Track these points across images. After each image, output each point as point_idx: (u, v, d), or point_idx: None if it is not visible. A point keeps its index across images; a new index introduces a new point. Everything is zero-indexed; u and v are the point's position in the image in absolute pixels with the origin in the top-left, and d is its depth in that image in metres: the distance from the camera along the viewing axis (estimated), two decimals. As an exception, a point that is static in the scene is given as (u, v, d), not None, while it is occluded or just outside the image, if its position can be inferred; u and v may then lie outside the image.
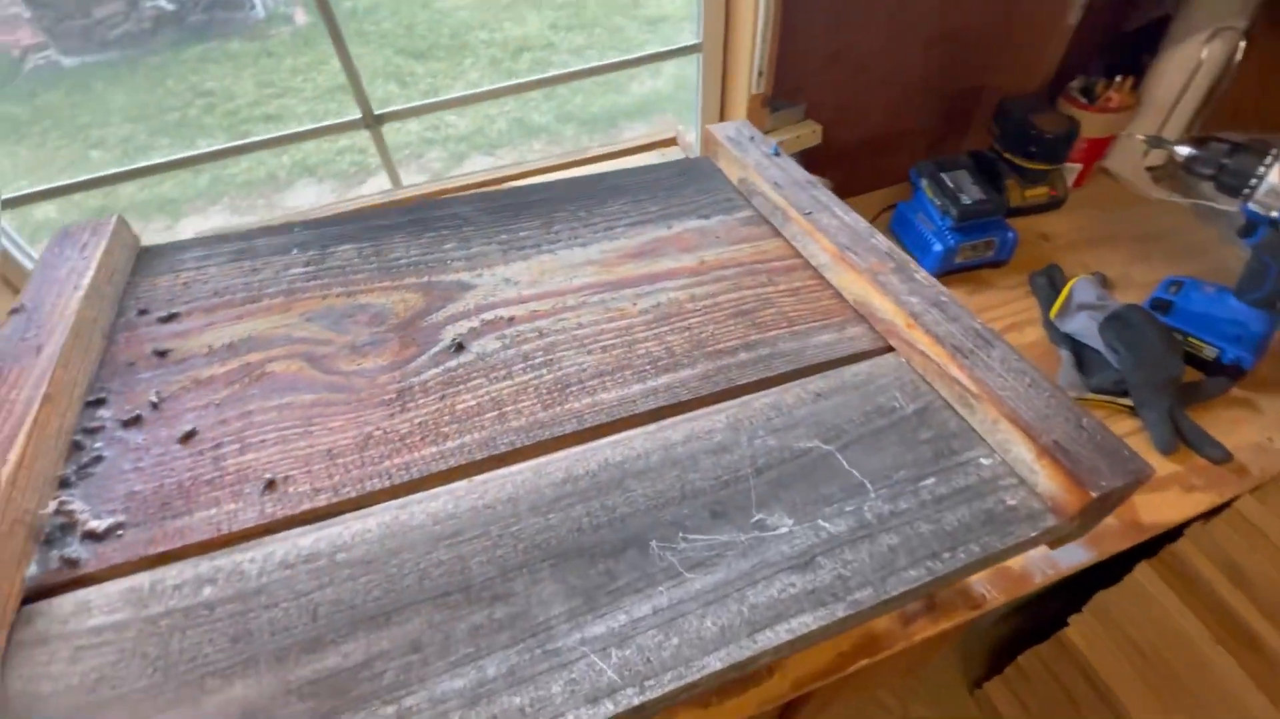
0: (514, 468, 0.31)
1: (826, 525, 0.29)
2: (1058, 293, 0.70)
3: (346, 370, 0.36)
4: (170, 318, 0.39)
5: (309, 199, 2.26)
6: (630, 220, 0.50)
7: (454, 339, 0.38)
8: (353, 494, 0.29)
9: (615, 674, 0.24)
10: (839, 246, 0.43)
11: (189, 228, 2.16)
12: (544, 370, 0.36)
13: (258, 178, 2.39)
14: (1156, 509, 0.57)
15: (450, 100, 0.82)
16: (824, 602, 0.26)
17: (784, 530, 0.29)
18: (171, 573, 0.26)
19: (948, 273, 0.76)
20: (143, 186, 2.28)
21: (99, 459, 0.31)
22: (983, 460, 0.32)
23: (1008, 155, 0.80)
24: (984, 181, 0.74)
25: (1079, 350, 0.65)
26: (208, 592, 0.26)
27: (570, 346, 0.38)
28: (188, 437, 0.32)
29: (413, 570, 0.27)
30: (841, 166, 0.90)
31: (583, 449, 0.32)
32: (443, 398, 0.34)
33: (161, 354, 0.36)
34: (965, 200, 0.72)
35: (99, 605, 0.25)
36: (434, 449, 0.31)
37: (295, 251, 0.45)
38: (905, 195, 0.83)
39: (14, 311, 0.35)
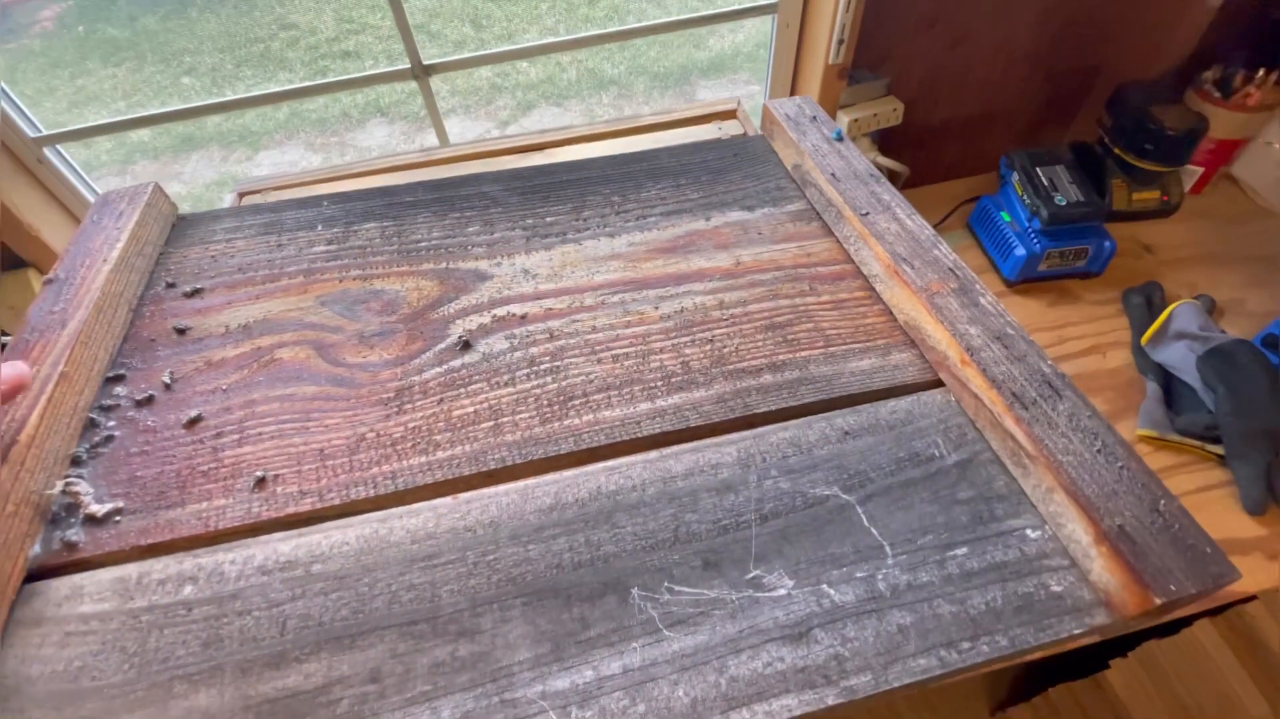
0: (501, 488, 0.29)
1: (831, 592, 0.26)
2: (1154, 316, 0.61)
3: (351, 363, 0.35)
4: (195, 293, 0.39)
5: (379, 139, 2.31)
6: (666, 209, 0.46)
7: (461, 336, 0.36)
8: (336, 501, 0.29)
9: (572, 738, 0.22)
10: (894, 257, 0.38)
11: (267, 160, 2.24)
12: (549, 379, 0.34)
13: (332, 115, 2.45)
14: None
15: (495, 55, 0.79)
16: (813, 683, 0.23)
17: (781, 593, 0.26)
18: (158, 566, 0.27)
19: (1029, 280, 0.67)
20: (227, 117, 2.39)
21: (110, 439, 0.31)
22: (1029, 533, 0.28)
23: (1118, 151, 0.69)
24: (1084, 179, 0.65)
25: (1169, 384, 0.57)
26: (188, 590, 0.26)
27: (580, 353, 0.35)
28: (193, 422, 0.32)
29: (384, 592, 0.26)
30: (922, 150, 0.81)
31: (575, 473, 0.30)
32: (440, 401, 0.33)
33: (181, 332, 0.37)
34: (1059, 201, 0.63)
35: (90, 592, 0.26)
36: (423, 459, 0.30)
37: (320, 228, 0.44)
38: (991, 188, 0.74)
39: (48, 282, 0.36)
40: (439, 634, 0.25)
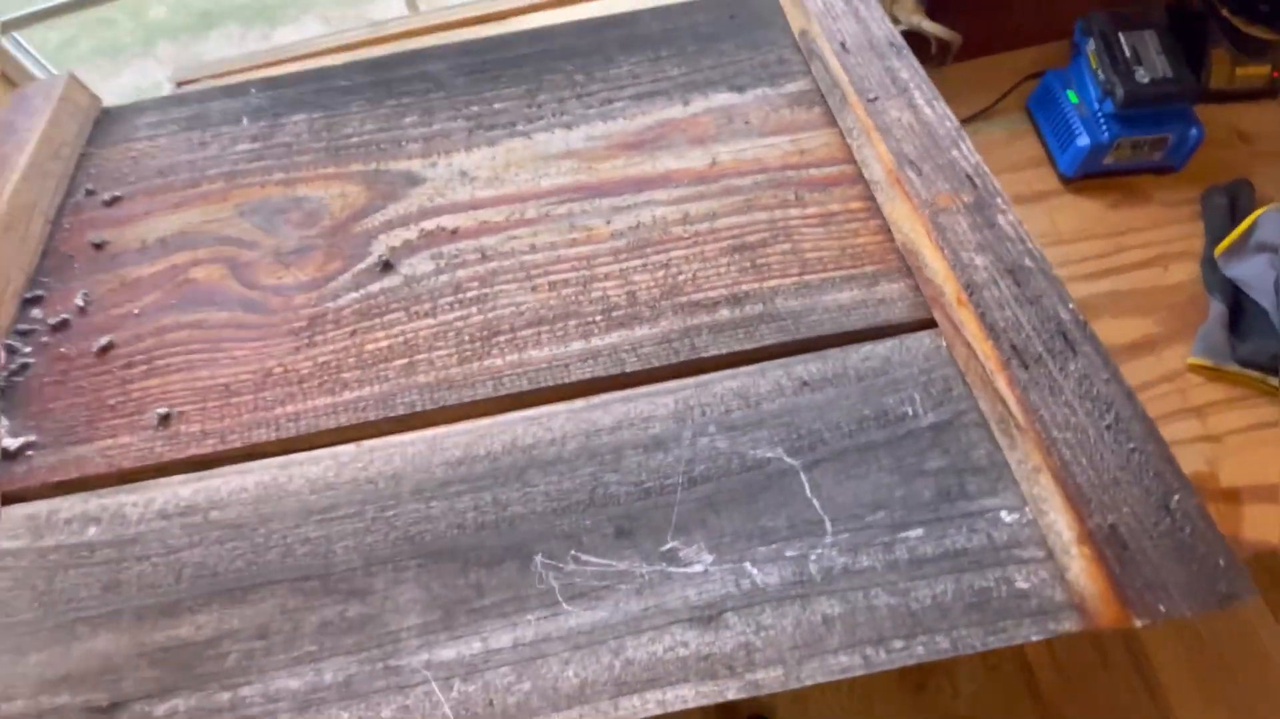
0: (408, 436, 0.26)
1: (753, 572, 0.22)
2: (1237, 221, 0.49)
3: (265, 284, 0.31)
4: (114, 201, 0.35)
5: (396, 9, 2.11)
6: (639, 89, 0.37)
7: (383, 255, 0.31)
8: (238, 444, 0.26)
9: (451, 711, 0.20)
10: (898, 159, 0.29)
11: (284, 37, 2.09)
12: (474, 309, 0.29)
13: (345, -12, 2.22)
14: (1273, 525, 0.44)
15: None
16: (715, 674, 0.20)
17: (697, 569, 0.22)
18: (65, 505, 0.25)
19: (1090, 176, 0.55)
20: (248, -11, 2.21)
21: (25, 368, 0.29)
22: (1003, 515, 0.23)
23: (1225, 12, 0.51)
24: (1177, 49, 0.49)
25: (1239, 304, 0.47)
26: (91, 532, 0.25)
27: (513, 278, 0.30)
28: (104, 350, 0.29)
29: (278, 544, 0.24)
30: (983, 11, 0.63)
31: (491, 423, 0.26)
32: (353, 333, 0.29)
33: (99, 246, 0.33)
34: (1141, 77, 0.48)
35: (5, 529, 0.25)
36: (328, 400, 0.27)
37: (245, 121, 0.38)
38: (1061, 60, 0.58)
39: (-51, 189, 0.33)
40: (330, 592, 0.23)
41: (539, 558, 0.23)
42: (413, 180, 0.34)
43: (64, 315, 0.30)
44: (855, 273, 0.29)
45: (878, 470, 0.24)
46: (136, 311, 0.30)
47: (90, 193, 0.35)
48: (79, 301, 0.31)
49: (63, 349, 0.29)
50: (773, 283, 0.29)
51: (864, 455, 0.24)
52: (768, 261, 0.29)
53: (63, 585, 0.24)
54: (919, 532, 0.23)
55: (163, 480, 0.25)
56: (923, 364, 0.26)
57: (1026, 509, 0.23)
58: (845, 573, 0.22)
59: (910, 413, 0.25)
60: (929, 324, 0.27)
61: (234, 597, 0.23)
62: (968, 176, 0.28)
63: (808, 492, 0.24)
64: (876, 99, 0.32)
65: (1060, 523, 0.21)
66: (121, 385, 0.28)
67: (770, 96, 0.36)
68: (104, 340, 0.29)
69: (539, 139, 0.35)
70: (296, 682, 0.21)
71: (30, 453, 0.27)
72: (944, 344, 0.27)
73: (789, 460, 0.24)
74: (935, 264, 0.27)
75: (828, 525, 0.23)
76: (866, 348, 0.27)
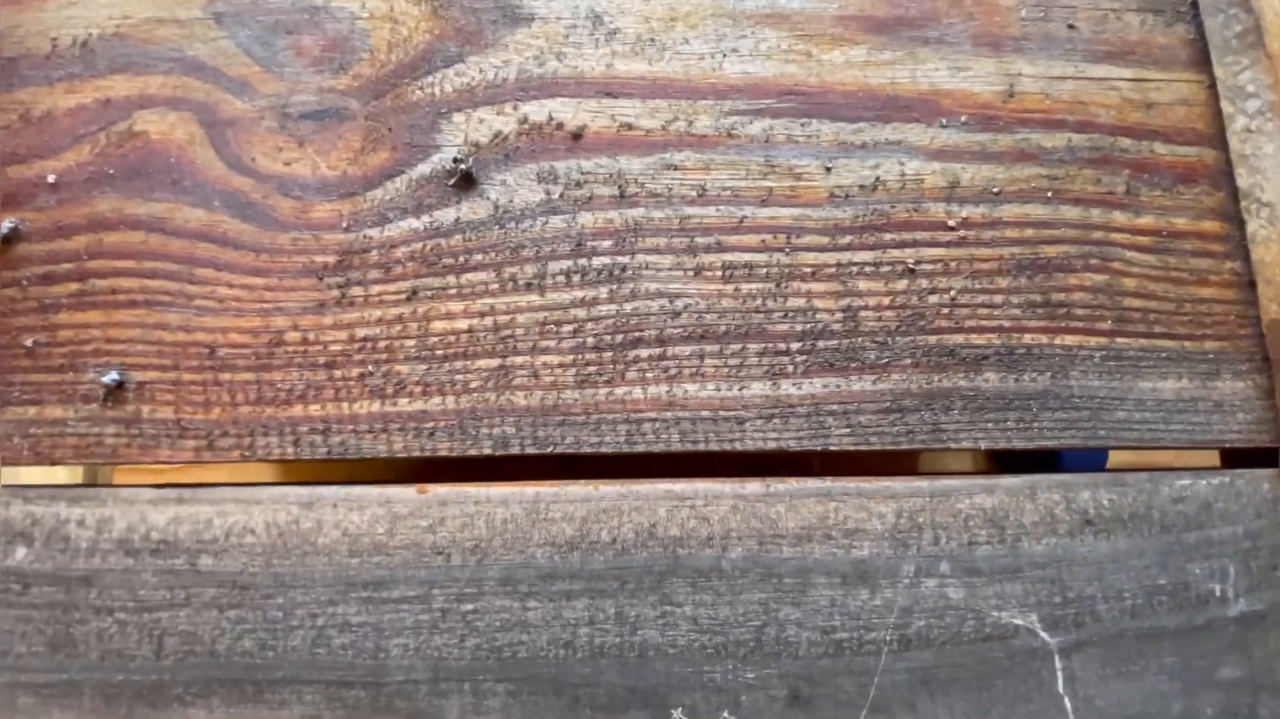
0: (496, 490, 0.19)
1: (969, 787, 0.18)
2: None
3: (265, 170, 0.21)
4: (-15, -67, 0.23)
5: None
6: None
7: (460, 155, 0.21)
8: (235, 453, 0.19)
9: None
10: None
11: None
12: (602, 289, 0.20)
13: None
14: None
15: None
16: None
17: (895, 770, 0.18)
18: (-28, 499, 0.19)
19: None
20: None
21: None
22: (1310, 763, 0.19)
23: None
24: None
25: None
26: (21, 554, 0.18)
27: (667, 244, 0.21)
28: (9, 241, 0.20)
29: (305, 624, 0.18)
30: None
31: (621, 491, 0.19)
32: (413, 295, 0.20)
33: (-32, 25, 0.22)
34: None
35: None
36: (375, 408, 0.19)
37: None
38: None
39: None
40: (381, 710, 0.18)
41: (678, 714, 0.18)
42: (511, 14, 0.22)
43: (-72, 157, 0.21)
44: (1190, 348, 0.21)
45: (1157, 671, 0.19)
46: (53, 179, 0.21)
47: (-59, -91, 0.23)
48: (-50, 136, 0.21)
49: (-66, 221, 0.20)
50: (1071, 339, 0.21)
51: (1145, 646, 0.19)
52: (1069, 299, 0.21)
53: (-12, 623, 0.18)
54: (1193, 767, 0.19)
55: (122, 491, 0.19)
56: (1251, 522, 0.20)
57: (1333, 756, 0.19)
58: (1089, 811, 0.18)
59: (1218, 593, 0.20)
60: (1272, 458, 0.21)
61: (244, 692, 0.18)
62: None
63: (1060, 685, 0.19)
64: (1340, 47, 0.20)
65: None
66: (42, 313, 0.20)
67: (1118, -22, 0.24)
68: (5, 225, 0.20)
69: (727, -25, 0.23)
70: (338, 826, 0.18)
71: (-93, 400, 0.19)
72: (1294, 496, 0.20)
73: (1044, 636, 0.19)
74: (1351, 385, 0.19)
75: (1078, 739, 0.19)
76: (1185, 481, 0.20)
